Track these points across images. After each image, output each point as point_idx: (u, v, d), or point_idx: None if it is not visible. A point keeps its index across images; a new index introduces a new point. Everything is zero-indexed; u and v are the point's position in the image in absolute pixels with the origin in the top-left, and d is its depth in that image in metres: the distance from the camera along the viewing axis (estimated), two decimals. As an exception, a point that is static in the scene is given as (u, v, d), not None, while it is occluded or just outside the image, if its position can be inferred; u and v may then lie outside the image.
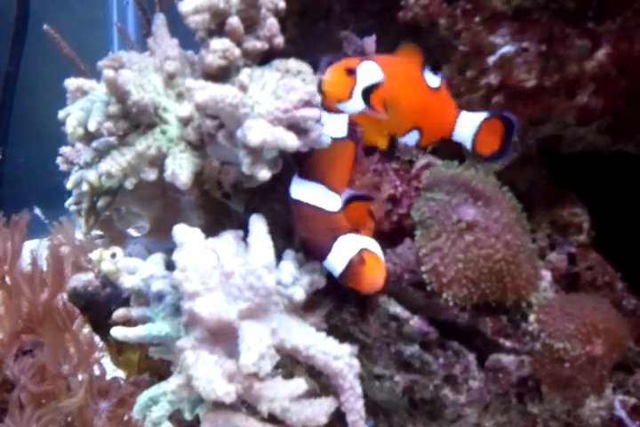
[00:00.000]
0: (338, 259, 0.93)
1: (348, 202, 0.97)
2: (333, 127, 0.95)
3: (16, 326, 1.03)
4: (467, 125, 0.94)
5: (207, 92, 0.90)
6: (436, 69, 0.96)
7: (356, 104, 0.88)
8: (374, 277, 0.91)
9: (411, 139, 0.96)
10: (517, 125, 0.92)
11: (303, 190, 0.97)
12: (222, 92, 0.90)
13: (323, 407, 0.87)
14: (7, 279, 1.14)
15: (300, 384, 0.87)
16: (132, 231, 1.33)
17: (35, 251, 1.27)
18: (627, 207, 1.11)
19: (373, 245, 0.94)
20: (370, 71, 0.89)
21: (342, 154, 0.98)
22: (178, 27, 1.13)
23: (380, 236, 0.98)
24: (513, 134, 0.93)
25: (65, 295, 1.27)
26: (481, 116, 0.94)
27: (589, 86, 0.98)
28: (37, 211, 2.33)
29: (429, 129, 0.95)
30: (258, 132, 0.88)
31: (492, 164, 1.01)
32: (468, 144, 0.95)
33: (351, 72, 0.88)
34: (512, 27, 1.00)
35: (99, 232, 1.33)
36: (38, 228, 2.12)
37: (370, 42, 1.38)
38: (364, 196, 1.00)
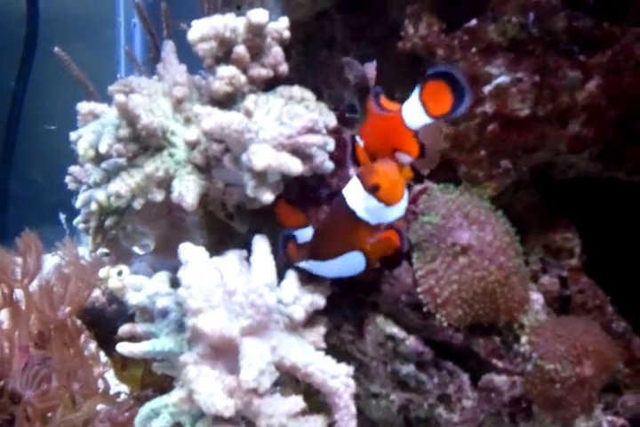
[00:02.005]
0: (351, 186, 0.91)
1: None
2: None
3: (25, 341, 1.06)
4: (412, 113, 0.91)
5: (213, 119, 0.93)
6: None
7: None
8: (387, 172, 0.88)
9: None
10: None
11: None
12: (228, 119, 0.93)
13: (317, 424, 0.89)
14: (19, 295, 1.16)
15: (298, 402, 0.89)
16: (136, 249, 1.36)
17: (55, 266, 1.30)
18: (617, 232, 1.13)
19: None
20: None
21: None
22: (182, 45, 1.17)
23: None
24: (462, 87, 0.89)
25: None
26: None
27: (581, 116, 1.01)
28: (62, 217, 2.27)
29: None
30: (262, 156, 0.91)
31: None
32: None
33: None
34: (507, 58, 1.02)
35: (104, 250, 1.36)
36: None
37: (371, 67, 1.42)
38: None
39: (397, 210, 0.91)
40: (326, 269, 1.00)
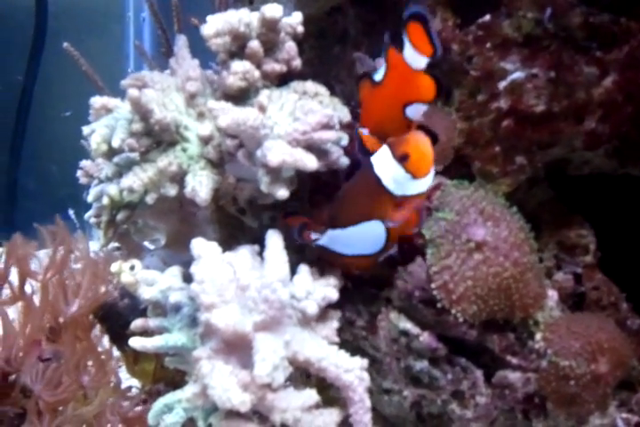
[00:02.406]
0: (380, 153, 0.92)
1: None
2: None
3: (36, 335, 1.06)
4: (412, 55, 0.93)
5: (230, 115, 0.93)
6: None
7: None
8: (419, 143, 0.89)
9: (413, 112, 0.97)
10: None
11: None
12: (244, 116, 0.93)
13: (332, 417, 0.90)
14: (33, 287, 1.17)
15: (312, 395, 0.90)
16: (147, 244, 1.36)
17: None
18: (632, 229, 1.13)
19: None
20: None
21: None
22: (193, 40, 1.17)
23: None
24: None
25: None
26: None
27: (597, 112, 1.00)
28: (71, 212, 2.27)
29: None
30: (278, 152, 0.91)
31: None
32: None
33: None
34: (522, 53, 1.02)
35: (115, 245, 1.37)
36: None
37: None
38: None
39: (422, 184, 0.91)
40: (346, 241, 0.99)
